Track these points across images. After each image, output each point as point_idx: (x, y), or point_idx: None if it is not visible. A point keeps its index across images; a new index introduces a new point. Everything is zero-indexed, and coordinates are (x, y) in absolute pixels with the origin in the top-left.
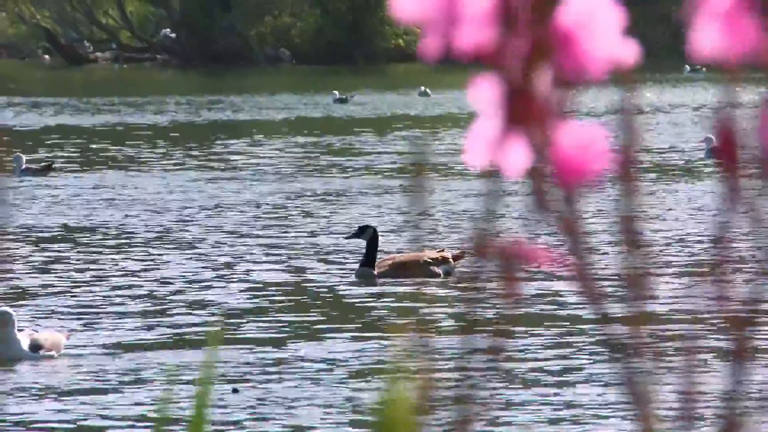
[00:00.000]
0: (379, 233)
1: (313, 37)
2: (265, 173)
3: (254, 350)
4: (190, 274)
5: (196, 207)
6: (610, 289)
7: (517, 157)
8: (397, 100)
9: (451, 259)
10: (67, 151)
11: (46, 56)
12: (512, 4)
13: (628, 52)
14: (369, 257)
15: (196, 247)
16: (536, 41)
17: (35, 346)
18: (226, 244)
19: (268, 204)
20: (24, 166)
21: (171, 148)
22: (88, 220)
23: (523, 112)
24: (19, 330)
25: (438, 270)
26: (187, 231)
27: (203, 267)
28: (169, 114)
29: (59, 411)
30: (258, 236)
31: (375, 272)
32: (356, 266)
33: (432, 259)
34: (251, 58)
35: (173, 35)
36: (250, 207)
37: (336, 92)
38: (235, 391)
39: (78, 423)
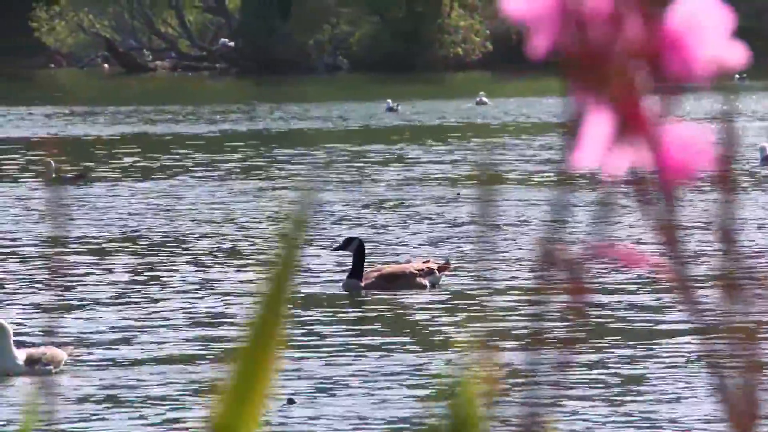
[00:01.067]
0: (436, 242)
1: (371, 45)
2: (316, 182)
3: (309, 362)
4: (246, 284)
5: (249, 216)
6: (706, 297)
7: (621, 159)
8: (454, 109)
9: (436, 270)
10: (117, 160)
11: (105, 65)
12: (621, 5)
13: (736, 54)
14: (356, 269)
15: (250, 257)
16: (644, 42)
17: (31, 361)
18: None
19: (321, 213)
20: (54, 175)
21: (226, 157)
22: (130, 229)
23: (627, 115)
24: (23, 345)
25: (424, 281)
26: (245, 241)
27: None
28: (225, 123)
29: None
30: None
31: (362, 284)
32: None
33: (418, 270)
34: (309, 67)
35: (231, 44)
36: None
37: (389, 101)
38: (290, 401)
39: None
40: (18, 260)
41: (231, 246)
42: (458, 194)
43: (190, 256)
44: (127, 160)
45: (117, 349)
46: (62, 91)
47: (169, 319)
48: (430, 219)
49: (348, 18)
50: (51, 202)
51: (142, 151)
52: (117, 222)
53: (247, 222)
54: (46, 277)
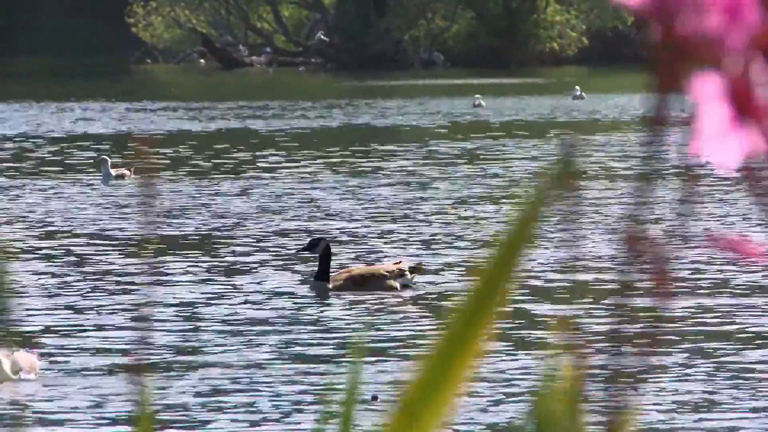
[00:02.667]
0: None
1: (467, 40)
2: (404, 178)
3: (392, 359)
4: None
5: (346, 212)
6: None
7: (738, 149)
8: (546, 104)
9: (408, 272)
10: (213, 155)
11: (202, 60)
12: None
13: None
14: (322, 270)
15: (343, 253)
16: (762, 31)
17: (16, 369)
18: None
19: (407, 207)
20: (114, 172)
21: (321, 153)
22: (228, 225)
23: (745, 105)
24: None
25: (395, 283)
26: (344, 237)
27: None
28: (321, 118)
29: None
30: (397, 242)
31: (329, 285)
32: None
33: (388, 271)
34: (405, 62)
35: (327, 39)
36: (391, 212)
37: (478, 96)
38: (374, 398)
39: None
40: (114, 257)
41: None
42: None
43: (281, 253)
44: (223, 155)
45: (237, 349)
46: (159, 87)
47: (254, 320)
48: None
49: (444, 13)
50: (140, 199)
51: (237, 147)
52: (215, 218)
53: (344, 217)
54: (134, 276)
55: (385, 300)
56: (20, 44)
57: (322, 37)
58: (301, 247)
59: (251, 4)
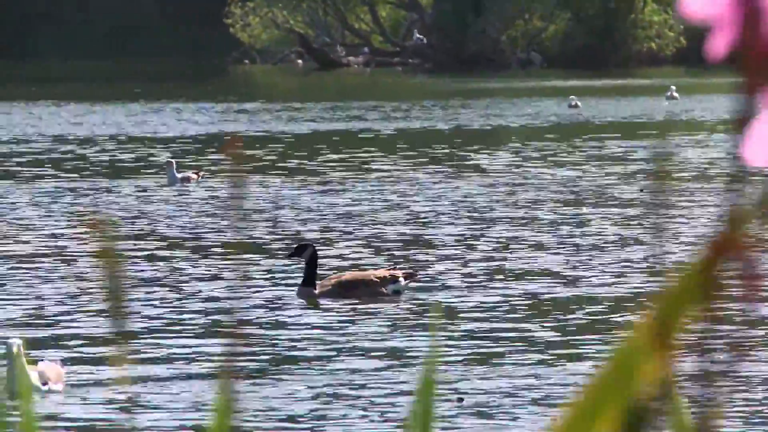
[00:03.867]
0: (608, 240)
1: (564, 40)
2: (495, 180)
3: (477, 361)
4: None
5: (450, 212)
6: None
7: None
8: (642, 105)
9: (401, 278)
10: (314, 155)
11: (299, 61)
12: None
13: None
14: (309, 276)
15: (443, 250)
16: None
17: (44, 380)
18: (472, 246)
19: (502, 212)
20: (180, 175)
21: (418, 153)
22: (337, 226)
23: None
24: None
25: (386, 290)
26: (434, 236)
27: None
28: (418, 119)
29: None
30: (480, 244)
31: (316, 291)
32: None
33: (379, 277)
34: (503, 62)
35: (425, 40)
36: (479, 214)
37: (573, 97)
38: (460, 400)
39: None
40: (200, 256)
41: (428, 241)
42: (641, 190)
43: (386, 252)
44: (324, 155)
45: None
46: (256, 87)
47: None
48: (612, 217)
49: (541, 13)
50: (229, 199)
51: (332, 148)
52: (323, 218)
53: (445, 217)
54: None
55: (371, 306)
56: (122, 46)
57: (420, 37)
58: (288, 252)
59: (349, 4)
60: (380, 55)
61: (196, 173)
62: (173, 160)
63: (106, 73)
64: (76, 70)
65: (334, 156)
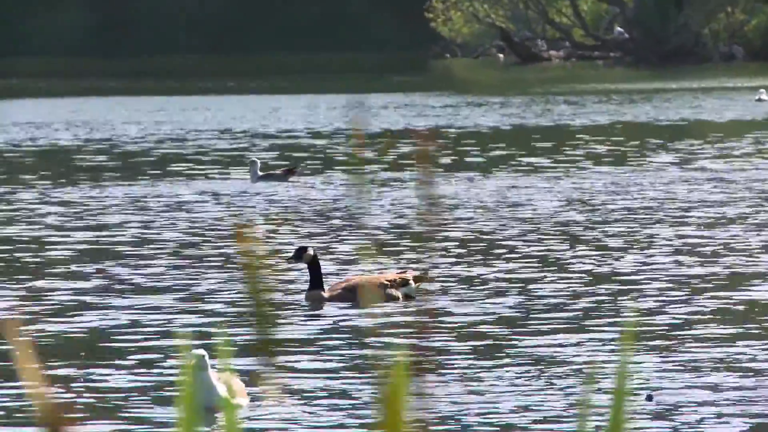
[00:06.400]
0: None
1: (766, 33)
2: (699, 174)
3: (671, 354)
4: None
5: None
6: None
7: None
8: None
9: (412, 281)
10: (515, 150)
11: (500, 55)
12: None
13: None
14: (315, 279)
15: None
16: None
17: (233, 394)
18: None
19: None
20: (261, 173)
21: (621, 148)
22: (540, 219)
23: None
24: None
25: (396, 293)
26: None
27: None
28: (618, 114)
29: None
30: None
31: (325, 295)
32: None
33: (390, 281)
34: (704, 56)
35: (626, 34)
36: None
37: (762, 90)
38: (649, 398)
39: None
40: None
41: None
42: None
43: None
44: (534, 149)
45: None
46: (458, 81)
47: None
48: None
49: (743, 6)
50: (421, 194)
51: (533, 142)
52: (518, 213)
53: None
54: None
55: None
56: (339, 38)
57: (622, 31)
58: (289, 255)
59: None
60: (581, 49)
61: (289, 170)
62: (257, 160)
63: (312, 67)
64: (290, 62)
65: (522, 150)
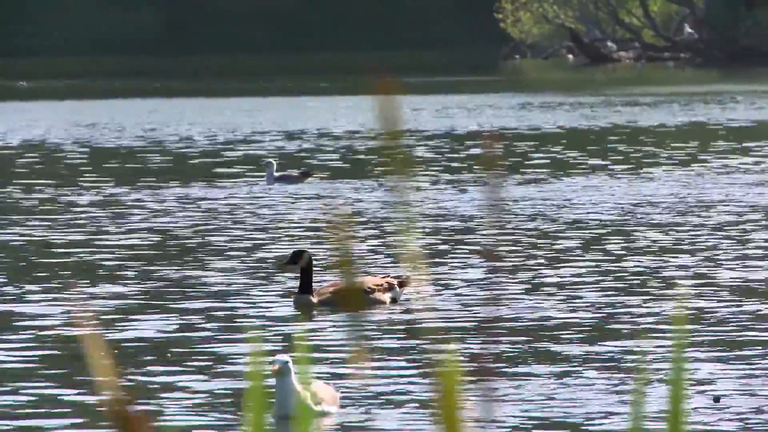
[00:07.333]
0: None
1: None
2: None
3: (737, 357)
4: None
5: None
6: None
7: None
8: None
9: (397, 286)
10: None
11: (570, 55)
12: None
13: None
14: (305, 284)
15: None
16: None
17: (318, 401)
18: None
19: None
20: (277, 174)
21: (681, 151)
22: (619, 218)
23: None
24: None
25: (383, 297)
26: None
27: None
28: (688, 115)
29: None
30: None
31: (314, 300)
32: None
33: (376, 285)
34: None
35: (696, 34)
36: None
37: None
38: (716, 399)
39: None
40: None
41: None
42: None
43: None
44: (608, 149)
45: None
46: (522, 82)
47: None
48: None
49: None
50: (488, 196)
51: (602, 143)
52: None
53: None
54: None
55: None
56: (402, 38)
57: (692, 31)
58: (284, 260)
59: None
60: (651, 50)
61: (303, 173)
62: (274, 161)
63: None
64: (353, 62)
65: (587, 151)
